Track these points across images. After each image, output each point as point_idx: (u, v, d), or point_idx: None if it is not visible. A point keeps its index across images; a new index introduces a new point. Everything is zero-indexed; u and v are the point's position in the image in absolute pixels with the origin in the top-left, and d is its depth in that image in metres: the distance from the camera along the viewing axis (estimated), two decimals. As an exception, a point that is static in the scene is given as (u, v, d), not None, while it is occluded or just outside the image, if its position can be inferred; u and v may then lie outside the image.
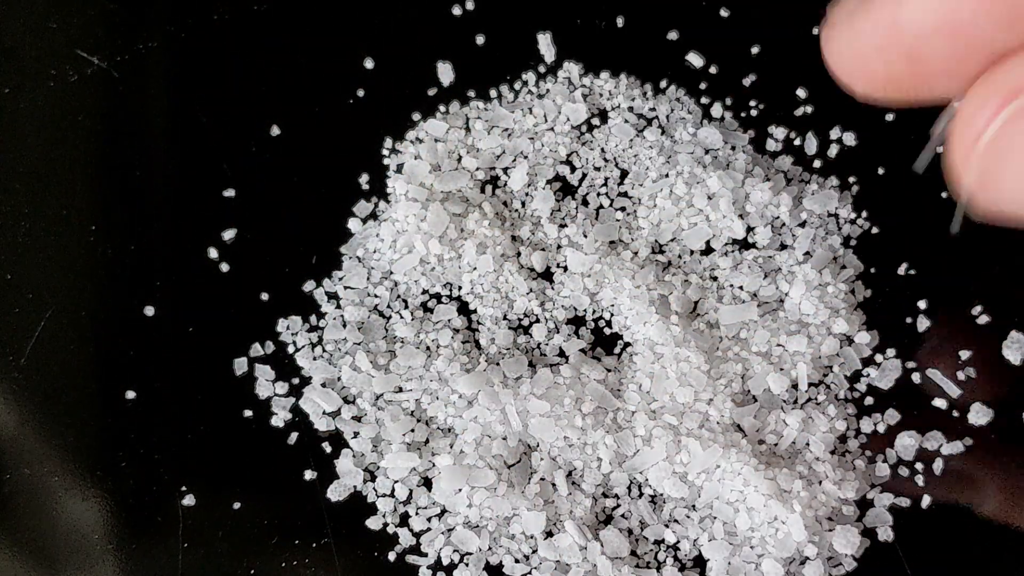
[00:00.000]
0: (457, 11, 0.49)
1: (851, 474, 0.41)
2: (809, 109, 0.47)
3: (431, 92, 0.48)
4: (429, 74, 0.48)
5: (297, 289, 0.45)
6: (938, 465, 0.42)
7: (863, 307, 0.44)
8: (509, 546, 0.41)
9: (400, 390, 0.43)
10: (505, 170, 0.46)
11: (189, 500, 0.42)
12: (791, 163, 0.46)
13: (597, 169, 0.46)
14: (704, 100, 0.47)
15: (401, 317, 0.44)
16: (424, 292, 0.45)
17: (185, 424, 0.43)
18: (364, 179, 0.47)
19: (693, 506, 0.41)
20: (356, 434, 0.42)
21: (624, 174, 0.46)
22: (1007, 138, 0.30)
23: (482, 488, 0.41)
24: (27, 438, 0.43)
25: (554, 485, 0.41)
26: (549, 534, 0.41)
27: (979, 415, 0.42)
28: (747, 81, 0.47)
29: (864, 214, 0.46)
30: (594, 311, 0.44)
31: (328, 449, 0.43)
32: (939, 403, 0.43)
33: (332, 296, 0.45)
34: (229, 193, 0.46)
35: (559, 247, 0.45)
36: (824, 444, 0.42)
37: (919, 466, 0.42)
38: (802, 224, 0.45)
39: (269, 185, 0.47)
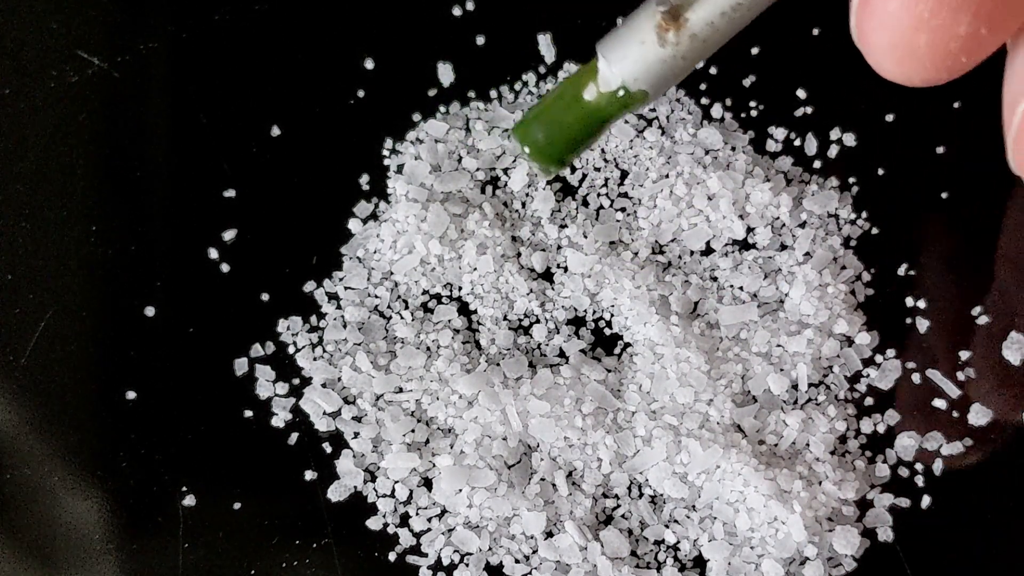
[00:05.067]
0: (457, 11, 0.49)
1: (851, 474, 0.41)
2: (809, 109, 0.47)
3: (431, 93, 0.48)
4: (429, 74, 0.48)
5: (297, 289, 0.45)
6: (938, 465, 0.42)
7: (863, 308, 0.44)
8: (509, 546, 0.41)
9: (400, 390, 0.43)
10: (505, 171, 0.46)
11: (189, 500, 0.42)
12: (791, 163, 0.46)
13: (597, 170, 0.46)
14: (704, 101, 0.47)
15: (401, 317, 0.44)
16: (424, 292, 0.45)
17: (185, 424, 0.43)
18: (364, 179, 0.47)
19: (693, 506, 0.41)
20: (356, 434, 0.42)
21: (624, 174, 0.46)
22: None
23: (482, 488, 0.41)
24: (27, 438, 0.43)
25: (554, 485, 0.41)
26: (549, 534, 0.41)
27: (979, 415, 0.42)
28: (747, 81, 0.47)
29: (864, 214, 0.46)
30: (594, 311, 0.44)
31: (328, 449, 0.43)
32: (939, 403, 0.43)
33: (332, 296, 0.45)
34: (229, 193, 0.46)
35: (559, 248, 0.45)
36: (824, 444, 0.42)
37: (919, 466, 0.42)
38: (802, 225, 0.45)
39: (269, 185, 0.47)
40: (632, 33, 0.32)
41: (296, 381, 0.43)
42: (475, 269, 0.44)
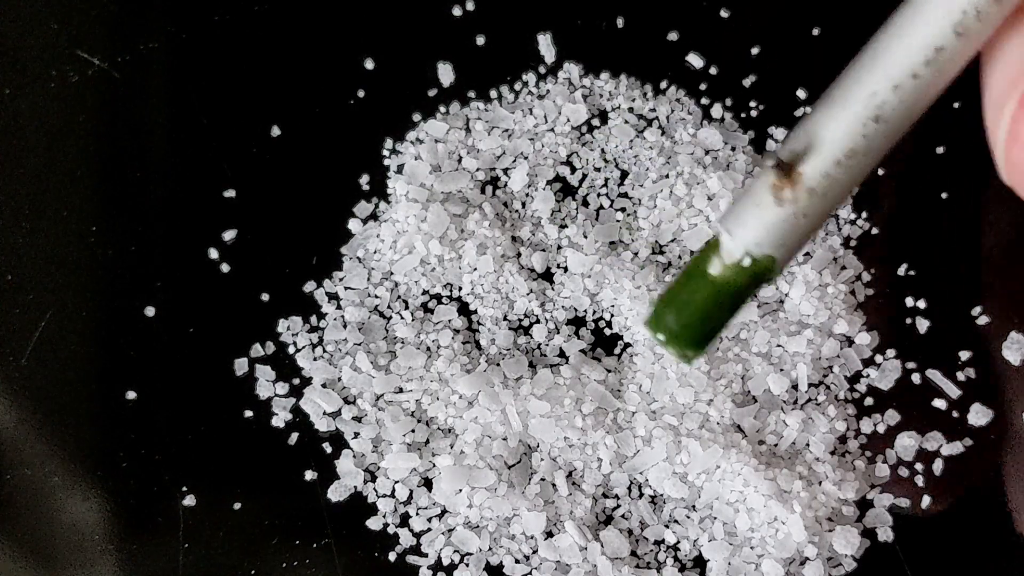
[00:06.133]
0: (457, 11, 0.49)
1: (851, 474, 0.41)
2: (809, 109, 0.47)
3: (431, 93, 0.48)
4: (429, 74, 0.48)
5: (297, 289, 0.45)
6: (938, 465, 0.42)
7: (863, 308, 0.44)
8: (509, 546, 0.41)
9: (400, 391, 0.43)
10: (505, 171, 0.46)
11: (189, 500, 0.42)
12: (791, 164, 0.46)
13: (597, 170, 0.46)
14: (704, 101, 0.47)
15: (401, 318, 0.44)
16: (424, 293, 0.45)
17: (185, 424, 0.43)
18: (364, 180, 0.46)
19: (693, 506, 0.41)
20: (356, 434, 0.42)
21: (624, 175, 0.46)
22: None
23: (482, 488, 0.41)
24: (27, 438, 0.43)
25: (554, 485, 0.41)
26: (549, 534, 0.41)
27: (979, 415, 0.42)
28: (747, 82, 0.47)
29: (864, 214, 0.46)
30: (594, 312, 0.44)
31: (328, 449, 0.43)
32: (939, 403, 0.43)
33: (333, 297, 0.45)
34: (229, 193, 0.46)
35: (559, 248, 0.45)
36: (824, 445, 0.42)
37: (919, 466, 0.42)
38: (802, 225, 0.45)
39: (269, 185, 0.47)
40: (748, 198, 0.30)
41: (296, 381, 0.43)
42: (475, 269, 0.44)
